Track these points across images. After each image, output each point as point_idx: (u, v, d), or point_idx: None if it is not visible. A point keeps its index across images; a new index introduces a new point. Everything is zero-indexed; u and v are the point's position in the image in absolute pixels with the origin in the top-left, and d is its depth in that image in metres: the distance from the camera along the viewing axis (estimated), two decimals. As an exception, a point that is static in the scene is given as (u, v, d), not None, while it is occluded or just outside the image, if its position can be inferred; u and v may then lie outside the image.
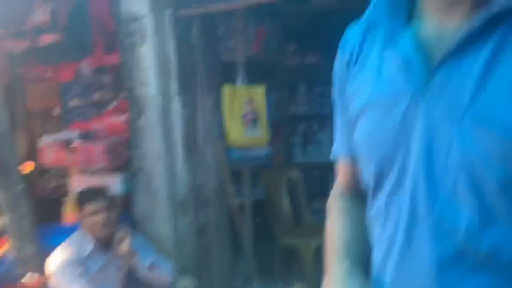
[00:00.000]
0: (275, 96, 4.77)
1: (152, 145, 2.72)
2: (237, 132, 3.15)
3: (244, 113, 3.22)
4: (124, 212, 2.62)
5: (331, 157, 0.90)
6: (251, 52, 3.74)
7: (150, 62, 2.66)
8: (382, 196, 0.70)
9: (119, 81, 2.92)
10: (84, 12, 2.56)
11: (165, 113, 2.72)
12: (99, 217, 2.15)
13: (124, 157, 2.73)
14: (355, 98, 0.74)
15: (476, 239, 0.61)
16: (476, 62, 0.60)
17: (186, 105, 2.84)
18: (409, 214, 0.65)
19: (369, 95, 0.71)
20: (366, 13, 0.74)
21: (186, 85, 2.84)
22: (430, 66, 0.63)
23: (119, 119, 2.84)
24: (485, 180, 0.59)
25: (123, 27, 2.65)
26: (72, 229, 2.31)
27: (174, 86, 2.75)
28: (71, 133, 2.62)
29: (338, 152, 0.86)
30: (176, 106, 2.77)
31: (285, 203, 3.58)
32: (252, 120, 3.23)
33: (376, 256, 0.73)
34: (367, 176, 0.74)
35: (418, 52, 0.64)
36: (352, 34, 0.78)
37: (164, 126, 2.72)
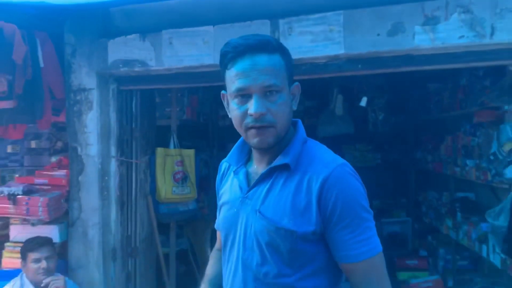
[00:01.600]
0: (207, 154, 5.28)
1: (89, 199, 3.08)
2: (167, 189, 3.60)
3: (174, 172, 3.69)
4: (60, 259, 2.93)
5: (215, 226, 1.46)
6: (185, 117, 4.25)
7: (93, 127, 3.08)
8: (226, 250, 1.34)
9: (63, 141, 3.31)
10: (38, 82, 2.97)
11: (103, 171, 3.11)
12: (41, 265, 2.49)
13: (63, 208, 3.06)
14: (221, 198, 1.41)
15: (260, 269, 1.23)
16: (264, 188, 1.25)
17: (122, 164, 3.26)
18: (236, 258, 1.29)
19: (225, 198, 1.37)
20: (227, 158, 1.40)
21: (124, 148, 3.28)
22: (249, 187, 1.29)
23: (60, 174, 3.19)
24: (262, 241, 1.22)
25: (72, 96, 3.07)
26: (12, 274, 2.60)
27: (112, 148, 3.17)
28: (15, 187, 2.93)
29: (216, 225, 1.45)
30: (113, 166, 3.17)
31: (208, 253, 4.00)
32: (182, 179, 3.69)
33: (224, 281, 1.36)
34: (221, 239, 1.37)
35: (245, 180, 1.30)
36: (223, 165, 1.48)
37: (101, 183, 3.11)
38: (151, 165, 3.58)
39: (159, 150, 3.64)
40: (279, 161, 1.23)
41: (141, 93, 3.38)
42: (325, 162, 1.20)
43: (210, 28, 2.78)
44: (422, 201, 5.58)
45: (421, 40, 2.37)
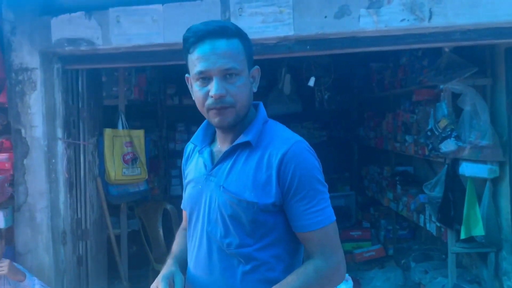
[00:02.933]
0: (156, 134, 5.23)
1: (36, 182, 3.00)
2: (116, 170, 3.56)
3: (124, 153, 3.65)
4: (6, 244, 2.85)
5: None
6: (133, 97, 4.18)
7: (38, 108, 2.97)
8: (191, 225, 1.41)
9: (3, 123, 3.17)
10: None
11: (50, 154, 3.02)
12: (-11, 249, 2.42)
13: (7, 193, 2.96)
14: (187, 177, 1.45)
15: (223, 241, 1.29)
16: (227, 165, 1.31)
17: (70, 146, 3.18)
18: (200, 231, 1.35)
19: (190, 176, 1.42)
20: (192, 139, 1.44)
21: (71, 129, 3.19)
22: (213, 165, 1.34)
23: (2, 158, 3.06)
24: (225, 214, 1.28)
25: (13, 76, 2.94)
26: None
27: (59, 130, 3.08)
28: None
29: (182, 205, 1.50)
30: (60, 148, 3.09)
31: (160, 233, 4.02)
32: (132, 160, 3.66)
33: (189, 255, 1.41)
34: (187, 215, 1.42)
35: (209, 158, 1.36)
36: (189, 146, 1.53)
37: (48, 165, 3.02)
38: (100, 146, 3.51)
39: (107, 131, 3.58)
40: (241, 139, 1.30)
41: (87, 72, 3.29)
42: (284, 139, 1.28)
43: (159, 6, 2.74)
44: (365, 175, 5.87)
45: (366, 23, 2.48)
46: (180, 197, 5.02)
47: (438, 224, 3.50)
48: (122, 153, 3.61)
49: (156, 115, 5.37)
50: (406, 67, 4.08)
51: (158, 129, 5.28)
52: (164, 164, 5.47)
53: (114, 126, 3.70)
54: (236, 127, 1.31)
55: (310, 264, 1.23)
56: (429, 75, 3.38)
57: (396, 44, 2.55)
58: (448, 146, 3.17)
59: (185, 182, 1.47)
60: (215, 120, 1.27)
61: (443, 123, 3.25)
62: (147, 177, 3.82)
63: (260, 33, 2.65)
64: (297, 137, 1.30)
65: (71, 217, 3.18)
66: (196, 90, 1.29)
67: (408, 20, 2.43)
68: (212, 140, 1.42)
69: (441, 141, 3.22)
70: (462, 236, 3.20)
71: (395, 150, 4.55)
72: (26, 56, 2.93)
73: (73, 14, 2.84)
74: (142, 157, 3.77)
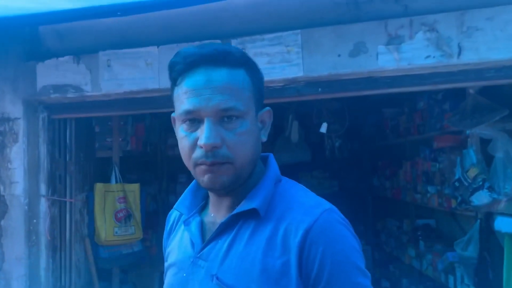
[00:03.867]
0: (154, 187, 4.89)
1: (14, 246, 2.64)
2: (108, 230, 3.19)
3: (116, 210, 3.29)
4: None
5: None
6: (130, 148, 3.87)
7: (19, 162, 2.67)
8: None
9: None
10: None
11: (31, 213, 2.69)
12: None
13: (-20, 259, 2.60)
14: (168, 258, 1.08)
15: None
16: (223, 243, 0.93)
17: (55, 204, 2.84)
18: None
19: (173, 259, 1.04)
20: (175, 205, 1.08)
21: (56, 184, 2.87)
22: (204, 242, 0.97)
23: (-21, 218, 2.73)
24: None
25: (-7, 127, 2.66)
26: None
27: (42, 186, 2.75)
28: None
29: None
30: (43, 206, 2.75)
31: (157, 299, 3.59)
32: (125, 218, 3.30)
33: None
34: None
35: (199, 233, 0.99)
36: (173, 214, 1.15)
37: (28, 226, 2.68)
38: (89, 203, 3.17)
39: (98, 186, 3.24)
40: (244, 206, 0.93)
41: (77, 122, 3.00)
42: (307, 208, 0.90)
43: (154, 48, 2.49)
44: (381, 229, 5.43)
45: (385, 61, 2.19)
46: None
47: (473, 288, 3.05)
48: (114, 210, 3.26)
49: (155, 167, 5.05)
50: (424, 112, 3.77)
51: (158, 182, 4.94)
52: (163, 220, 5.08)
53: (107, 180, 3.37)
54: (236, 188, 0.95)
55: None
56: (453, 120, 3.05)
57: (420, 85, 2.24)
58: (480, 198, 2.79)
59: (166, 264, 1.08)
60: (203, 179, 0.92)
61: (472, 172, 2.89)
62: (142, 236, 3.44)
63: (266, 75, 2.32)
64: (324, 203, 0.92)
65: (53, 286, 2.79)
66: (181, 136, 0.93)
67: (434, 56, 2.14)
68: (204, 206, 1.05)
69: (472, 193, 2.85)
70: (504, 303, 2.76)
71: (415, 202, 4.15)
72: (8, 105, 2.66)
73: (60, 59, 2.60)
74: (137, 214, 3.41)
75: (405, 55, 2.17)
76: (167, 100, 2.65)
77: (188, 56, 0.91)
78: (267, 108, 0.99)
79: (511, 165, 2.78)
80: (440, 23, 2.13)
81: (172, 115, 0.99)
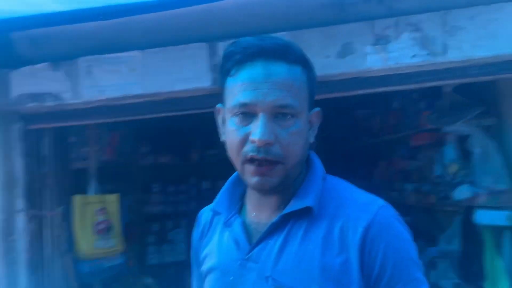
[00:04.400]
0: (129, 198, 4.75)
1: (-10, 266, 2.49)
2: (88, 243, 3.06)
3: (96, 222, 3.17)
4: None
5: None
6: (105, 157, 3.75)
7: (-7, 176, 2.52)
8: None
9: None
10: None
11: (8, 230, 2.54)
12: None
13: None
14: (205, 262, 1.02)
15: None
16: (275, 244, 0.90)
17: (33, 219, 2.70)
18: None
19: (212, 261, 0.99)
20: (213, 204, 1.03)
21: (34, 198, 2.72)
22: (251, 243, 0.93)
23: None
24: None
25: (-37, 140, 2.50)
26: None
27: (19, 201, 2.61)
28: None
29: None
30: (21, 222, 2.61)
31: (140, 312, 3.48)
32: (105, 230, 3.18)
33: None
34: None
35: (243, 234, 0.95)
36: (204, 215, 1.10)
37: (5, 244, 2.53)
38: (68, 216, 3.03)
39: (77, 198, 3.11)
40: (296, 204, 0.91)
41: (54, 132, 2.87)
42: (362, 204, 0.90)
43: (137, 53, 2.42)
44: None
45: (373, 60, 2.22)
46: (159, 266, 4.45)
47: (457, 281, 3.14)
48: (94, 223, 3.13)
49: (128, 176, 4.91)
50: (399, 112, 3.86)
51: (132, 192, 4.80)
52: (139, 231, 4.95)
53: (83, 191, 3.24)
54: (283, 188, 0.93)
55: None
56: (432, 118, 3.14)
57: (407, 83, 2.29)
58: (462, 193, 2.88)
59: (201, 269, 1.03)
60: (252, 179, 0.89)
61: (453, 168, 2.98)
62: (123, 248, 3.32)
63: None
64: (377, 199, 0.92)
65: (34, 305, 2.64)
66: (231, 130, 0.91)
67: (420, 55, 2.19)
68: (241, 206, 1.02)
69: (453, 188, 2.94)
70: (488, 293, 2.85)
71: (391, 199, 4.23)
72: (-21, 117, 2.51)
73: (37, 66, 2.48)
74: (117, 226, 3.29)
75: (392, 54, 2.21)
76: (151, 106, 2.59)
77: (248, 47, 0.88)
78: (317, 108, 0.98)
79: (488, 159, 2.89)
80: (424, 23, 2.19)
81: (218, 105, 0.96)
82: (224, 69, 0.93)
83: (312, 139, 0.98)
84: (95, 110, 2.51)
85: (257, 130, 0.85)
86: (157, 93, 2.40)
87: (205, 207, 1.12)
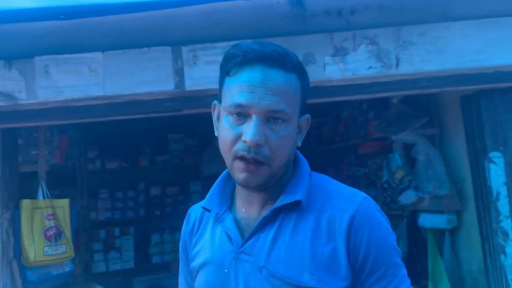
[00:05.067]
0: (77, 203, 4.60)
1: None
2: (37, 250, 2.94)
3: (45, 228, 3.05)
4: None
5: None
6: (55, 161, 3.61)
7: None
8: None
9: None
10: None
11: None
12: None
13: None
14: (197, 258, 1.05)
15: None
16: (267, 236, 0.96)
17: (-22, 225, 2.56)
18: None
19: (205, 256, 1.03)
20: (204, 201, 1.08)
21: (-21, 203, 2.59)
22: (243, 237, 0.99)
23: None
24: None
25: None
26: None
27: (-36, 205, 2.47)
28: None
29: None
30: (-34, 227, 2.47)
31: (89, 322, 3.37)
32: (55, 236, 3.07)
33: None
34: None
35: (235, 228, 1.00)
36: (194, 212, 1.13)
37: None
38: (15, 222, 2.89)
39: (25, 203, 2.97)
40: (286, 198, 0.97)
41: (2, 133, 2.74)
42: (347, 197, 0.98)
43: (98, 54, 2.38)
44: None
45: (332, 71, 2.34)
46: (106, 275, 4.35)
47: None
48: (43, 228, 3.01)
49: (75, 181, 4.75)
50: (348, 121, 4.04)
51: (79, 198, 4.64)
52: (85, 238, 4.79)
53: (32, 196, 3.10)
54: (269, 186, 1.00)
55: None
56: (380, 127, 3.33)
57: (362, 93, 2.42)
58: (408, 198, 3.07)
59: (192, 265, 1.07)
60: (240, 175, 0.95)
61: (399, 174, 3.17)
62: (73, 255, 3.21)
63: (217, 83, 2.38)
64: (360, 192, 1.01)
65: (-23, 316, 2.50)
66: (225, 127, 0.96)
67: (375, 67, 2.33)
68: (232, 203, 1.07)
69: (400, 193, 3.12)
70: (430, 291, 3.04)
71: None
72: None
73: (-12, 64, 2.37)
74: (67, 232, 3.18)
75: (350, 65, 2.34)
76: (112, 108, 2.55)
77: (249, 51, 0.93)
78: (307, 115, 1.04)
79: (432, 166, 3.10)
80: (379, 37, 2.34)
81: (215, 102, 1.00)
82: (224, 69, 0.99)
83: (299, 143, 1.05)
84: (52, 111, 2.44)
85: (249, 131, 0.91)
86: (119, 95, 2.37)
87: (195, 205, 1.16)
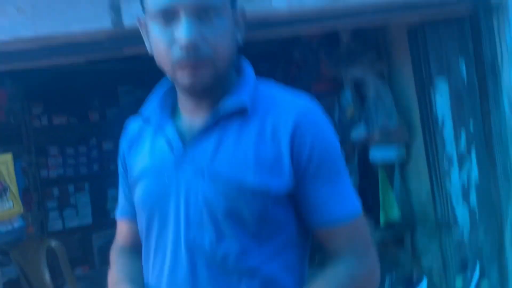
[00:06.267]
0: (23, 161, 4.42)
1: None
2: (-19, 207, 2.81)
3: (-12, 184, 2.91)
4: None
5: (116, 216, 1.14)
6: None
7: None
8: (151, 237, 0.98)
9: None
10: None
11: None
12: None
13: None
14: (134, 168, 1.01)
15: (216, 251, 0.90)
16: (210, 142, 0.92)
17: None
18: (173, 242, 0.93)
19: (144, 165, 0.99)
20: (142, 110, 1.02)
21: None
22: (185, 145, 0.94)
23: None
24: (217, 211, 0.89)
25: None
26: None
27: None
28: None
29: (120, 214, 1.11)
30: None
31: (46, 277, 3.31)
32: (1, 192, 2.94)
33: (151, 281, 0.98)
34: (141, 225, 1.00)
35: (176, 136, 0.95)
36: (132, 124, 1.08)
37: None
38: (-46, 179, 2.74)
39: (-37, 159, 2.81)
40: (230, 103, 0.92)
41: None
42: (291, 101, 0.94)
43: (25, -9, 2.18)
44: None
45: (279, 2, 2.26)
46: (63, 233, 4.26)
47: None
48: (-14, 185, 2.88)
49: (20, 139, 4.53)
50: (300, 62, 4.00)
51: (27, 155, 4.45)
52: (37, 196, 4.64)
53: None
54: (215, 89, 0.94)
55: (341, 265, 0.91)
56: (330, 65, 3.31)
57: (310, 25, 2.37)
58: (358, 133, 3.12)
59: (131, 176, 1.03)
60: (184, 81, 0.89)
61: (350, 111, 3.20)
62: (22, 211, 3.11)
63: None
64: (305, 96, 0.97)
65: None
66: (155, 37, 0.89)
67: (321, -3, 2.27)
68: (173, 112, 1.01)
69: (350, 129, 3.17)
70: (381, 222, 3.17)
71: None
72: None
73: None
74: (13, 187, 3.05)
75: (296, -4, 2.26)
76: (45, 51, 2.39)
77: None
78: (240, 8, 0.97)
79: (381, 101, 3.14)
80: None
81: (138, 17, 0.93)
82: None
83: (240, 40, 0.98)
84: (-22, 56, 2.25)
85: (182, 31, 0.84)
86: (51, 36, 2.21)
87: (134, 116, 1.09)
